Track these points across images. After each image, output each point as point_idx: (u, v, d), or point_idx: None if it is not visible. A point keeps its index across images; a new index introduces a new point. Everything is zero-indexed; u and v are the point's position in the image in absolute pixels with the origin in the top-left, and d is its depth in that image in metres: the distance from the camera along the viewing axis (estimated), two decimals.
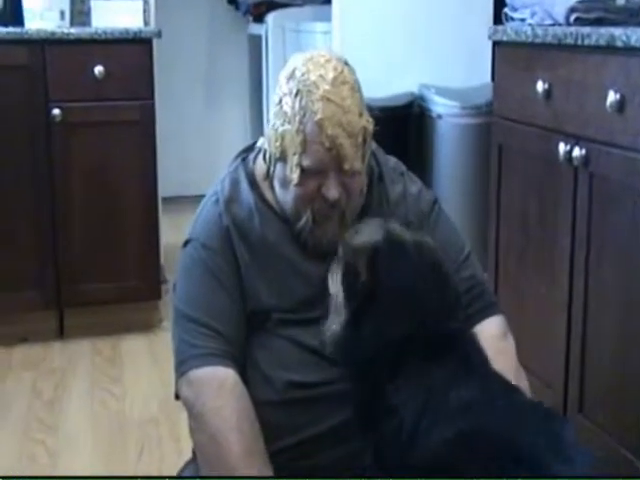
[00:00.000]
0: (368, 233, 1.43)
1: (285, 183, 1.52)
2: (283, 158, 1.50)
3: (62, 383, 2.77)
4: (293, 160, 1.48)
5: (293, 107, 1.46)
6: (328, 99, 1.44)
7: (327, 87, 1.45)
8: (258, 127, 4.74)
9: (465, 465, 1.18)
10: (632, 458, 1.84)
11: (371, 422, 1.36)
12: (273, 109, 1.53)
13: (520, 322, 2.09)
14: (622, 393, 1.92)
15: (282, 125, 1.49)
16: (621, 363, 1.94)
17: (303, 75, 1.47)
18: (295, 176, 1.48)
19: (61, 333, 3.12)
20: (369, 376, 1.36)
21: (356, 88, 1.49)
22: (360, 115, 1.48)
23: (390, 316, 1.35)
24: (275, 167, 1.54)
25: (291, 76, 1.49)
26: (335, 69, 1.47)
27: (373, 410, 1.35)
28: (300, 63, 1.50)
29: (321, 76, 1.46)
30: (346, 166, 1.47)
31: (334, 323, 1.43)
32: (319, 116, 1.44)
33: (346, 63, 1.51)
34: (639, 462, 1.74)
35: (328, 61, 1.49)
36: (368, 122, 1.50)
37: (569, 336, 2.13)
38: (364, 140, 1.50)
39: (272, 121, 1.52)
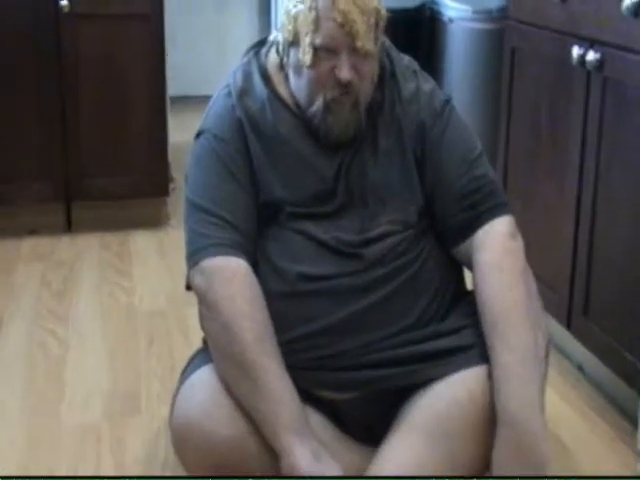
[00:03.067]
0: None
1: (298, 68, 1.53)
2: (296, 41, 1.51)
3: (71, 276, 2.81)
4: (306, 40, 1.49)
5: None
6: None
7: None
8: (266, 32, 4.68)
9: None
10: (636, 362, 1.88)
11: None
12: None
13: (527, 226, 2.10)
14: (627, 298, 1.95)
15: (295, 7, 1.51)
16: (627, 268, 1.96)
17: None
18: (308, 57, 1.49)
19: (69, 226, 3.15)
20: None
21: None
22: None
23: None
24: (289, 54, 1.55)
25: None
26: None
27: None
28: None
29: None
30: (358, 43, 1.47)
31: None
32: None
33: None
34: None
35: None
36: (380, 5, 1.52)
37: (576, 240, 2.15)
38: (376, 23, 1.51)
39: (285, 5, 1.53)
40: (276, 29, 1.65)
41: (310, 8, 1.48)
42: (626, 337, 1.95)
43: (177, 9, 3.69)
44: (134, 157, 3.11)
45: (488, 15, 3.09)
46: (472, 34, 3.15)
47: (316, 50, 1.49)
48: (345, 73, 1.49)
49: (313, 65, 1.50)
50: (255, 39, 4.54)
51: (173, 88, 3.45)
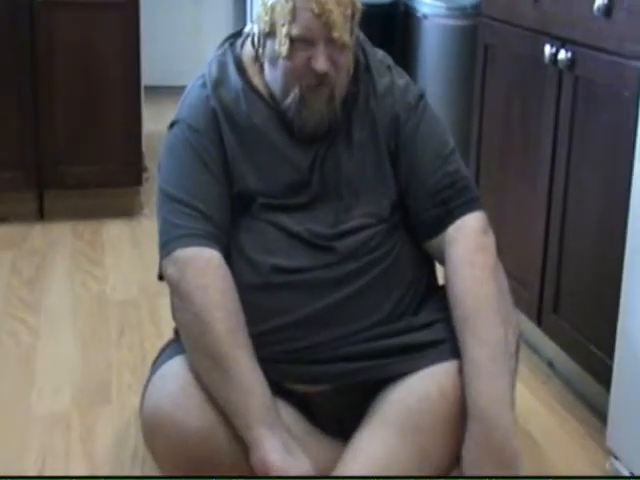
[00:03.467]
0: None
1: (274, 59, 1.53)
2: (272, 32, 1.52)
3: (43, 264, 2.79)
4: (282, 31, 1.50)
5: None
6: None
7: None
8: (241, 21, 4.67)
9: None
10: (605, 358, 1.90)
11: None
12: None
13: (499, 221, 2.13)
14: (597, 294, 1.98)
15: None
16: (597, 266, 1.99)
17: None
18: (284, 48, 1.50)
19: (41, 215, 3.13)
20: None
21: None
22: None
23: None
24: (265, 45, 1.55)
25: None
26: None
27: None
28: None
29: None
30: (335, 34, 1.48)
31: None
32: None
33: None
34: (612, 362, 1.80)
35: None
36: None
37: (547, 237, 2.17)
38: (352, 14, 1.52)
39: None
40: (252, 21, 1.65)
41: None
42: (595, 334, 1.97)
43: (153, 2, 3.67)
44: (108, 146, 3.10)
45: (462, 12, 3.11)
46: (446, 30, 3.17)
47: (292, 41, 1.49)
48: (321, 64, 1.50)
49: (289, 56, 1.50)
50: (231, 29, 4.50)
51: (148, 78, 3.43)
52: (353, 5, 1.52)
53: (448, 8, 3.13)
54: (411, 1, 3.24)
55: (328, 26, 1.48)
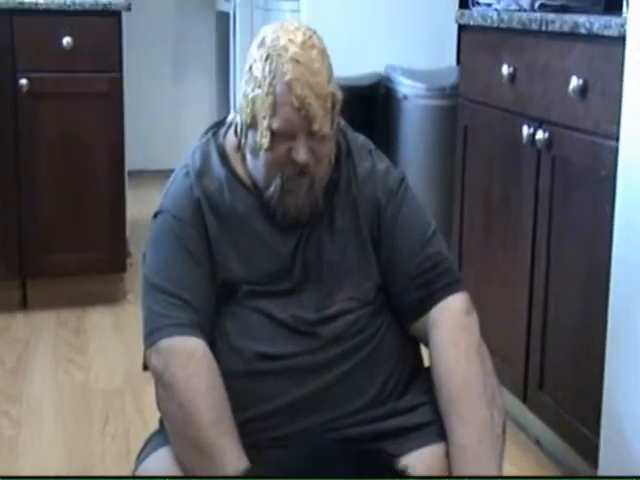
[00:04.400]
0: None
1: (256, 150, 1.55)
2: (254, 124, 1.53)
3: (25, 353, 2.77)
4: (263, 124, 1.51)
5: (263, 71, 1.50)
6: (297, 61, 1.48)
7: (296, 49, 1.49)
8: (225, 104, 4.74)
9: None
10: (591, 436, 1.89)
11: None
12: (244, 77, 1.56)
13: (482, 300, 2.13)
14: (582, 371, 1.97)
15: (252, 91, 1.52)
16: (581, 342, 1.99)
17: (273, 41, 1.51)
18: (265, 140, 1.51)
19: (24, 304, 3.12)
20: None
21: (325, 54, 1.54)
22: (329, 80, 1.52)
23: None
24: (246, 136, 1.57)
25: (261, 43, 1.53)
26: (304, 34, 1.52)
27: None
28: (270, 31, 1.54)
29: (290, 40, 1.50)
30: (315, 127, 1.50)
31: None
32: (288, 77, 1.47)
33: (315, 32, 1.55)
34: (597, 440, 1.79)
35: (297, 28, 1.53)
36: (336, 89, 1.55)
37: (530, 314, 2.18)
38: (332, 105, 1.53)
39: (243, 89, 1.56)
40: (234, 110, 1.68)
41: (267, 93, 1.50)
42: (581, 411, 1.96)
43: (135, 87, 3.73)
44: (91, 233, 3.11)
45: (442, 92, 3.18)
46: (426, 111, 3.23)
47: (273, 134, 1.51)
48: (302, 155, 1.51)
49: (270, 148, 1.52)
50: (213, 113, 4.56)
51: (130, 162, 3.46)
52: (333, 96, 1.54)
53: (428, 89, 3.20)
54: (392, 82, 3.31)
55: (308, 119, 1.50)
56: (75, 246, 3.10)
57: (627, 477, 1.69)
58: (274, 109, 1.50)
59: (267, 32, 1.54)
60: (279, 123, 1.50)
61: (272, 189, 1.56)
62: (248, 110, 1.54)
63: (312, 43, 1.51)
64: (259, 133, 1.53)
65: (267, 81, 1.49)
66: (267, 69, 1.50)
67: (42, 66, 2.98)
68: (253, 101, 1.53)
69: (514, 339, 2.25)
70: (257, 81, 1.51)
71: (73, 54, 2.98)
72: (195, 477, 1.45)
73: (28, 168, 3.01)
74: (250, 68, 1.54)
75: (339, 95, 1.56)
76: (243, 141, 1.59)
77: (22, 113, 2.97)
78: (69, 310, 3.10)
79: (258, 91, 1.51)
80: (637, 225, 1.73)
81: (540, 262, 2.14)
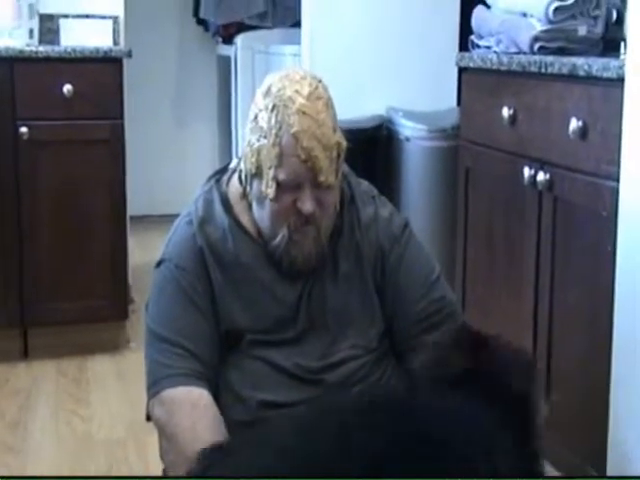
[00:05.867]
0: None
1: (261, 200, 1.54)
2: (259, 174, 1.53)
3: (26, 404, 2.74)
4: (269, 174, 1.51)
5: (269, 121, 1.50)
6: (304, 112, 1.48)
7: (303, 101, 1.49)
8: (226, 148, 4.76)
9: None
10: (597, 475, 1.87)
11: None
12: (249, 125, 1.55)
13: None
14: (587, 412, 1.96)
15: (258, 140, 1.52)
16: (585, 381, 1.97)
17: (279, 91, 1.51)
18: (271, 191, 1.51)
19: (25, 353, 3.08)
20: None
21: (330, 104, 1.54)
22: (334, 130, 1.52)
23: None
24: (252, 185, 1.56)
25: (267, 92, 1.53)
26: (310, 85, 1.51)
27: None
28: (276, 80, 1.54)
29: (297, 91, 1.50)
30: (321, 178, 1.50)
31: None
32: (295, 129, 1.47)
33: (320, 81, 1.55)
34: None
35: (303, 78, 1.53)
36: (341, 138, 1.55)
37: (534, 355, 2.16)
38: (338, 155, 1.53)
39: (248, 138, 1.55)
40: (237, 156, 1.67)
41: (274, 144, 1.49)
42: (587, 451, 1.94)
43: (136, 133, 3.74)
44: (93, 281, 3.09)
45: (443, 133, 3.19)
46: (428, 152, 3.23)
47: (279, 184, 1.51)
48: (308, 206, 1.51)
49: (276, 198, 1.52)
50: (216, 157, 4.56)
51: (133, 207, 3.46)
52: (339, 146, 1.54)
53: (429, 130, 3.20)
54: (394, 124, 3.32)
55: (314, 171, 1.49)
56: (76, 294, 3.07)
57: (628, 477, 1.67)
58: (280, 160, 1.49)
59: (272, 81, 1.54)
60: (285, 174, 1.50)
61: (279, 239, 1.55)
62: (253, 159, 1.53)
63: (318, 94, 1.51)
64: (264, 183, 1.52)
65: (273, 132, 1.49)
66: (273, 120, 1.49)
67: (42, 114, 2.98)
68: (258, 151, 1.52)
69: None
70: (263, 131, 1.51)
71: (73, 101, 2.99)
72: (195, 477, 1.42)
73: (29, 216, 3.00)
74: (255, 117, 1.53)
75: (344, 144, 1.56)
76: (248, 189, 1.58)
77: (22, 161, 2.96)
78: (70, 359, 3.06)
79: (264, 141, 1.51)
80: (639, 264, 1.72)
81: (543, 303, 2.13)
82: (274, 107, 1.50)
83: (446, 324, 1.61)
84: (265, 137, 1.50)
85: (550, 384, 2.11)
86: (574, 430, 2.01)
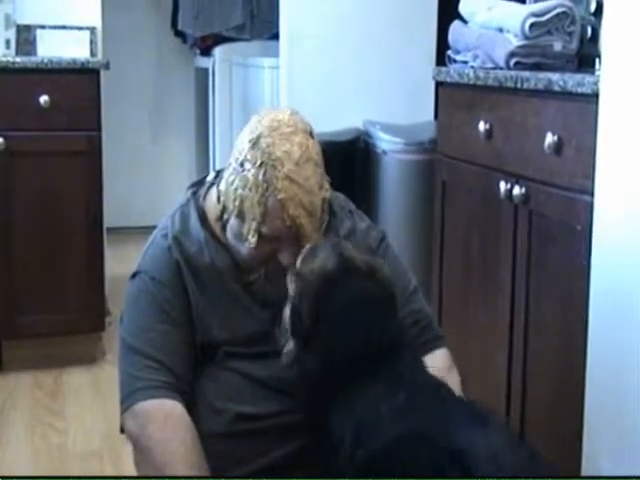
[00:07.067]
0: (321, 259, 1.44)
1: (240, 239, 1.53)
2: (241, 217, 1.51)
3: (1, 417, 2.71)
4: (252, 225, 1.49)
5: (256, 177, 1.47)
6: (292, 180, 1.45)
7: (291, 167, 1.45)
8: (203, 160, 4.75)
9: (405, 466, 1.22)
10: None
11: (317, 438, 1.41)
12: (233, 165, 1.52)
13: (463, 354, 2.12)
14: (562, 426, 1.97)
15: (242, 189, 1.49)
16: (561, 397, 1.98)
17: (268, 147, 1.47)
18: (253, 240, 1.49)
19: (0, 366, 3.06)
20: (317, 397, 1.41)
21: (319, 162, 1.51)
22: (320, 188, 1.50)
23: (332, 346, 1.39)
24: (230, 218, 1.54)
25: (256, 143, 1.48)
26: (300, 145, 1.47)
27: (320, 428, 1.40)
28: (265, 129, 1.49)
29: (286, 152, 1.46)
30: (304, 243, 1.49)
31: (287, 346, 1.45)
32: (282, 195, 1.45)
33: (310, 133, 1.52)
34: None
35: (294, 133, 1.48)
36: (327, 191, 1.53)
37: (510, 370, 2.17)
38: (322, 210, 1.53)
39: (231, 178, 1.51)
40: (214, 169, 1.66)
41: (259, 202, 1.47)
42: (561, 463, 1.95)
43: (113, 145, 3.73)
44: (69, 293, 3.07)
45: (420, 147, 3.21)
46: (405, 165, 3.25)
47: (261, 235, 1.49)
48: (287, 260, 1.50)
49: (256, 247, 1.51)
50: (192, 169, 4.53)
51: (110, 219, 3.45)
52: (324, 201, 1.52)
53: (406, 144, 3.22)
54: (371, 138, 3.33)
55: (298, 236, 1.49)
56: (52, 306, 3.06)
57: (628, 477, 1.68)
58: (264, 218, 1.48)
59: (262, 130, 1.49)
60: (268, 231, 1.49)
61: (254, 276, 1.56)
62: (236, 203, 1.50)
63: (308, 156, 1.48)
64: (246, 228, 1.50)
65: (260, 190, 1.46)
66: (260, 177, 1.46)
67: (19, 125, 2.97)
68: (242, 199, 1.49)
69: (495, 392, 2.23)
70: (248, 183, 1.48)
71: (50, 113, 2.98)
72: (195, 477, 1.44)
73: (4, 227, 2.98)
74: (241, 164, 1.49)
75: (329, 193, 1.54)
76: (225, 218, 1.56)
77: None
78: (46, 371, 3.05)
79: (249, 193, 1.48)
80: (613, 278, 1.73)
81: (519, 316, 2.14)
82: (262, 164, 1.46)
83: (422, 337, 1.62)
84: (250, 190, 1.47)
85: (525, 396, 2.12)
86: (549, 442, 2.02)
